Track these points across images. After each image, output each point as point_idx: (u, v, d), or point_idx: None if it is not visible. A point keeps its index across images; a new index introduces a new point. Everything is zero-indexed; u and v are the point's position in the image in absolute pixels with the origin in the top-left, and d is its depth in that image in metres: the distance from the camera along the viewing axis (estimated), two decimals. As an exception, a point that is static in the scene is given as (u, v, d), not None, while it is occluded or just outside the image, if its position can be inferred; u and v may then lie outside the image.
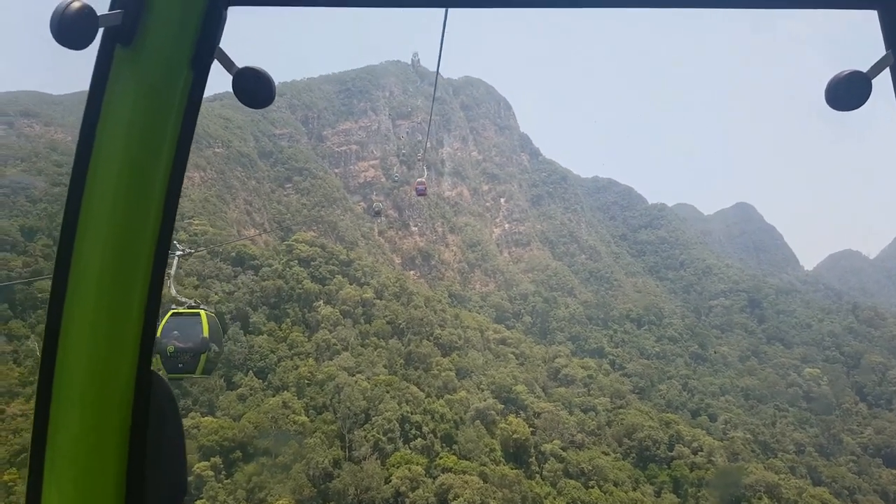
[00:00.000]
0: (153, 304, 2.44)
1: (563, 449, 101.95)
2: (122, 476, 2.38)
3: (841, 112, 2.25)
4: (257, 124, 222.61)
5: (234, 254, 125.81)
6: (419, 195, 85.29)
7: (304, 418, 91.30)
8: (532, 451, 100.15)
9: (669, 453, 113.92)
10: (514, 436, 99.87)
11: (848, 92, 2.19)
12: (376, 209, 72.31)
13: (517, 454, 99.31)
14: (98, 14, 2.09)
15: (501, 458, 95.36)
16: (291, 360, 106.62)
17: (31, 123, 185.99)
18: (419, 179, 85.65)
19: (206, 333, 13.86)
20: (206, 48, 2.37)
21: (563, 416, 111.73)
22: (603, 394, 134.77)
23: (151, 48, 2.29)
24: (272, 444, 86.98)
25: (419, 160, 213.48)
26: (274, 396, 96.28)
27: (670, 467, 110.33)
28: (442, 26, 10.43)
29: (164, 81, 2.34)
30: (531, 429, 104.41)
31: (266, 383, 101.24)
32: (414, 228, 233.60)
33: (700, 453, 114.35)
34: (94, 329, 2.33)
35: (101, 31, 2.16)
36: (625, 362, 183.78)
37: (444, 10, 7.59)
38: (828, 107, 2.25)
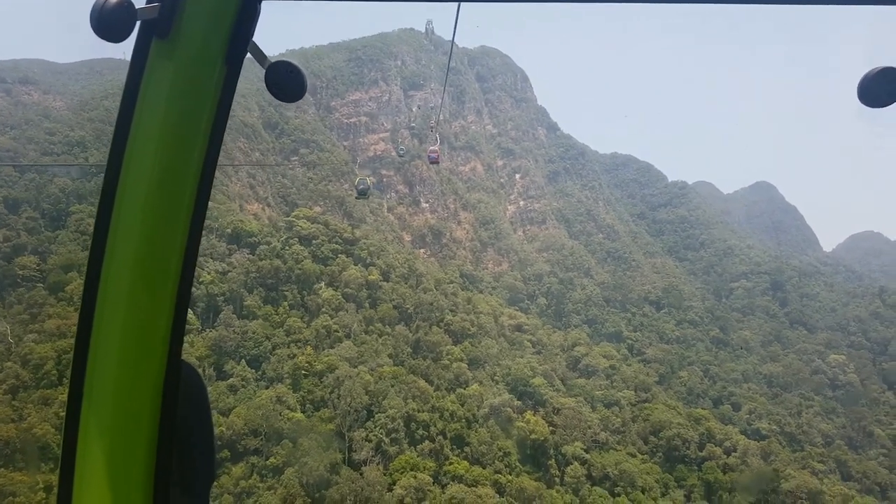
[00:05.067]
0: (184, 294, 2.50)
1: (586, 450, 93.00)
2: (153, 461, 2.46)
3: (873, 108, 2.26)
4: (262, 93, 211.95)
5: (229, 230, 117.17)
6: (431, 163, 76.21)
7: (299, 415, 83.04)
8: (551, 452, 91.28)
9: (700, 453, 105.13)
10: (532, 436, 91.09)
11: (880, 88, 2.20)
12: (361, 188, 60.81)
13: (535, 456, 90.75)
14: (136, 7, 2.17)
15: (518, 463, 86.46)
16: (288, 347, 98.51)
17: (30, 91, 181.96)
18: (431, 147, 76.50)
19: None
20: (240, 42, 2.42)
21: (585, 412, 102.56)
22: (627, 386, 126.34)
23: (187, 41, 2.35)
24: (263, 443, 78.69)
25: (431, 128, 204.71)
26: (267, 389, 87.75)
27: (701, 469, 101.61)
28: (454, 20, 11.48)
29: (199, 74, 2.41)
30: (550, 428, 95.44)
31: (260, 373, 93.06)
32: (425, 205, 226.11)
33: (733, 454, 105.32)
34: (126, 317, 2.41)
35: (138, 23, 2.22)
36: (644, 347, 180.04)
37: (456, 3, 7.45)
38: (859, 102, 2.24)
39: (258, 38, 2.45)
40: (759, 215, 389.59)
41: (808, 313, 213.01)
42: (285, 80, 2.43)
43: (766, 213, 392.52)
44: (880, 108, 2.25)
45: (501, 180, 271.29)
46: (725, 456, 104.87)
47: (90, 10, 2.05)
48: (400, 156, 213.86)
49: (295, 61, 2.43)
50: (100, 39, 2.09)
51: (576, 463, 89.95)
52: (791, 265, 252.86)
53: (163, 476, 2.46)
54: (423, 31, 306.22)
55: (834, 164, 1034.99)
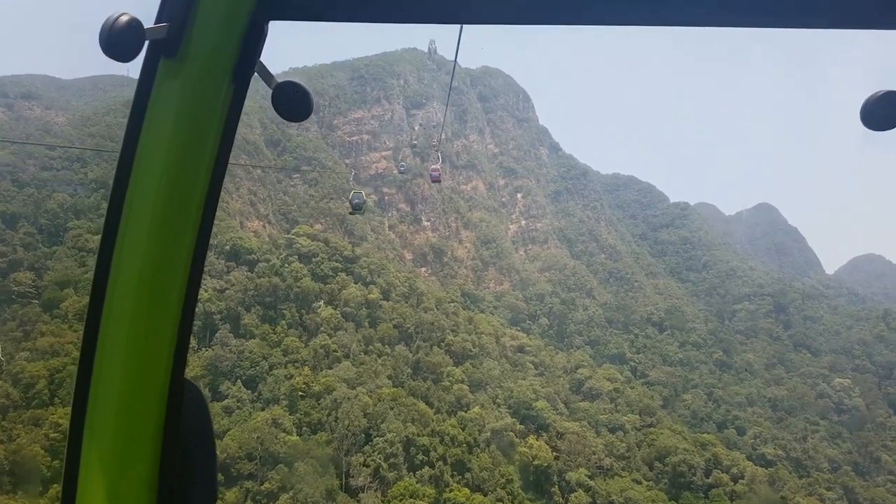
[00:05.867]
0: (189, 312, 2.49)
1: (591, 477, 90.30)
2: (155, 482, 2.45)
3: (875, 132, 2.30)
4: (265, 111, 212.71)
5: (228, 247, 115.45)
6: (433, 181, 74.89)
7: (295, 438, 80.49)
8: (555, 479, 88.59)
9: (706, 480, 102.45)
10: (535, 462, 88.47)
11: (883, 111, 2.23)
12: (356, 202, 54.53)
13: (538, 483, 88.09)
14: (145, 27, 2.16)
15: (520, 490, 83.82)
16: (285, 367, 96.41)
17: (32, 106, 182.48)
18: (433, 166, 75.27)
19: None
20: (247, 62, 2.43)
21: (590, 437, 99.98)
22: (631, 410, 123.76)
23: (195, 61, 2.36)
24: (258, 467, 76.36)
25: (433, 146, 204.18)
26: (263, 410, 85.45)
27: (708, 497, 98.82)
28: (457, 41, 10.58)
29: (207, 94, 2.41)
30: (554, 453, 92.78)
31: (256, 394, 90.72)
32: (426, 223, 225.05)
33: (741, 481, 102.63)
34: (130, 336, 2.41)
35: (146, 43, 2.21)
36: (647, 369, 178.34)
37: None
38: (862, 125, 2.29)
39: (264, 56, 2.45)
40: (760, 237, 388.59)
41: (812, 336, 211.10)
42: (292, 101, 2.46)
43: (768, 234, 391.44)
44: (882, 132, 2.28)
45: (503, 199, 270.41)
46: (732, 483, 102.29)
47: (99, 30, 2.04)
48: (401, 172, 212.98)
49: (301, 81, 2.44)
50: (108, 59, 2.08)
51: (580, 490, 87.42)
52: (794, 287, 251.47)
53: (165, 496, 2.44)
54: (426, 50, 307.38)
55: (835, 186, 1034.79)
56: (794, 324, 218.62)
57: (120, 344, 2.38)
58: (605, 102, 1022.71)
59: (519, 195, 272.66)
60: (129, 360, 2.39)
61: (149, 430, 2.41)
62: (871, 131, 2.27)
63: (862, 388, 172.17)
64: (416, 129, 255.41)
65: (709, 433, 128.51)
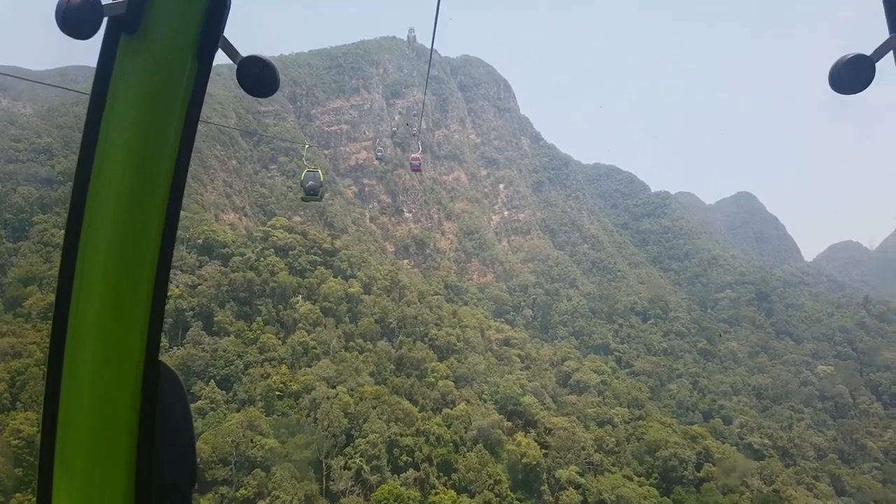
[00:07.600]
0: (160, 293, 2.45)
1: (581, 474, 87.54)
2: (132, 465, 2.43)
3: (844, 95, 2.32)
4: (240, 100, 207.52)
5: (201, 240, 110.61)
6: (413, 170, 71.29)
7: (272, 441, 76.51)
8: (544, 477, 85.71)
9: (697, 474, 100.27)
10: (524, 460, 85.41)
11: (851, 75, 2.25)
12: (310, 185, 39.56)
13: (527, 482, 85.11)
14: (103, 3, 2.12)
15: (509, 490, 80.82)
16: (261, 366, 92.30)
17: None
18: (413, 155, 71.73)
19: None
20: (210, 37, 2.39)
21: (578, 432, 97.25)
22: (619, 402, 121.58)
23: (156, 37, 2.31)
24: (233, 472, 72.44)
25: (414, 134, 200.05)
26: (238, 412, 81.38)
27: (700, 491, 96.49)
28: (435, 10, 11.06)
29: (170, 70, 2.37)
30: (543, 450, 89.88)
31: (231, 395, 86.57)
32: (408, 214, 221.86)
33: (733, 474, 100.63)
34: (101, 320, 2.37)
35: (105, 20, 2.18)
36: (632, 359, 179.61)
37: None
38: (831, 90, 2.31)
39: (235, 39, 2.41)
40: (740, 225, 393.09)
41: (794, 324, 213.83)
42: (258, 76, 2.43)
43: (748, 223, 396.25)
44: (851, 95, 2.29)
45: (485, 190, 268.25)
46: (724, 476, 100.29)
47: (55, 6, 2.00)
48: (378, 159, 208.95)
49: (266, 57, 2.41)
50: (69, 39, 2.03)
51: (570, 488, 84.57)
52: (775, 275, 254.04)
53: (143, 480, 2.41)
54: (405, 39, 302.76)
55: (811, 172, 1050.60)
56: (777, 311, 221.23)
57: (90, 327, 2.33)
58: (585, 92, 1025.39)
59: (501, 185, 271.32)
60: (101, 344, 2.34)
61: (124, 414, 2.38)
62: (840, 96, 2.27)
63: (844, 376, 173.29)
64: (396, 118, 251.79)
65: (697, 424, 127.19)
